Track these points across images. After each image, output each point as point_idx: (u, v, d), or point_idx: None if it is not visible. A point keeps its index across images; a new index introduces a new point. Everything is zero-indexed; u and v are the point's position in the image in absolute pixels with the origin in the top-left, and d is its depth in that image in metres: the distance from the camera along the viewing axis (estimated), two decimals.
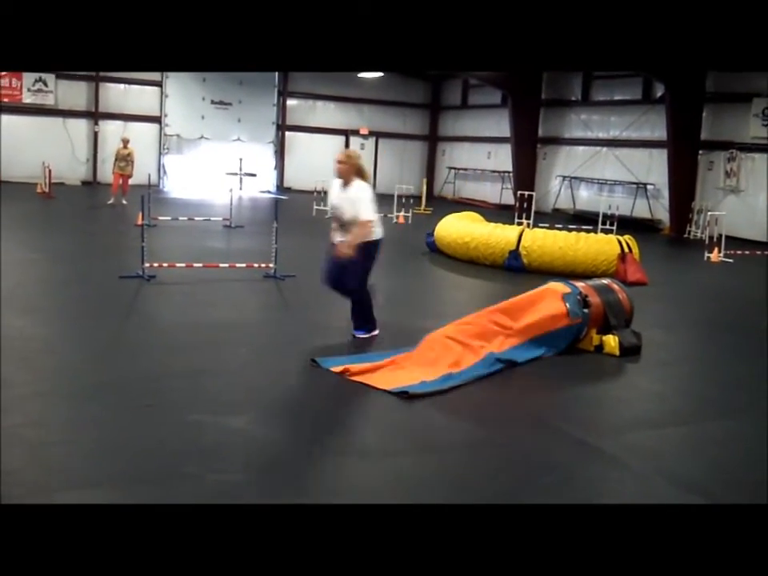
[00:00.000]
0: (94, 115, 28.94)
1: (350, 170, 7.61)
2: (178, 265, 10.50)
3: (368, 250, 7.64)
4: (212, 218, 17.23)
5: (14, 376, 6.17)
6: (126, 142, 21.26)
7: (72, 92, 28.48)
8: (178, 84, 29.01)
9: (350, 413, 5.93)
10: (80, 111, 28.79)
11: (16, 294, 9.34)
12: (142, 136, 27.14)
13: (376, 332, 7.96)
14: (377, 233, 7.69)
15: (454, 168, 31.78)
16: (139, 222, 15.10)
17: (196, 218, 16.56)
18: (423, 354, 7.07)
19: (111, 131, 28.32)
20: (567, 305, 7.54)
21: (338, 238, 7.73)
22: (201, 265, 10.44)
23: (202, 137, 29.16)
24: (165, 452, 4.86)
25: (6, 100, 27.52)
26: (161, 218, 13.89)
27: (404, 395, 6.03)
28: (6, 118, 27.25)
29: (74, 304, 8.98)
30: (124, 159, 20.71)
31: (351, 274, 7.65)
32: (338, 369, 6.64)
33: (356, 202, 7.51)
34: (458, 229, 13.91)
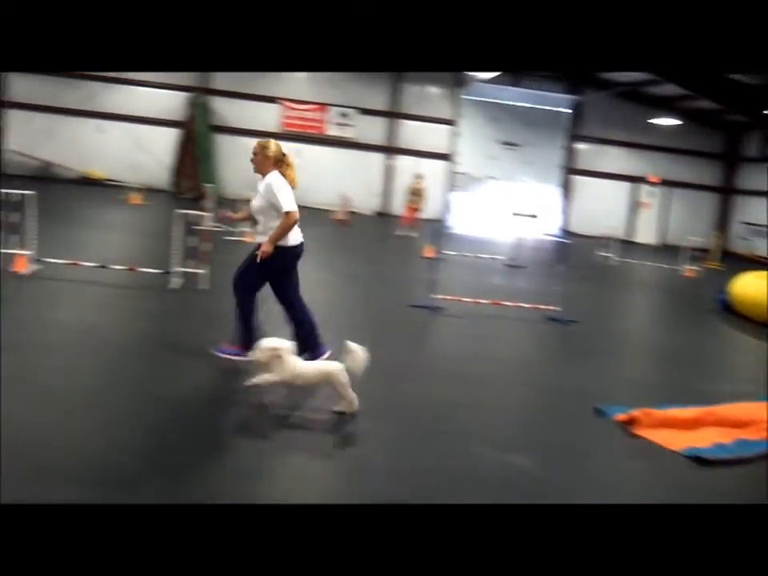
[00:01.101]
0: (389, 150, 30.46)
1: (264, 162, 6.72)
2: (464, 299, 10.72)
3: (272, 254, 6.60)
4: (496, 256, 17.48)
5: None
6: (419, 177, 22.15)
7: (371, 127, 30.18)
8: (470, 123, 29.78)
9: (634, 467, 5.70)
10: (376, 146, 30.42)
11: (315, 312, 9.98)
12: (431, 172, 28.17)
13: (240, 358, 6.77)
14: (290, 238, 6.66)
15: (750, 223, 29.87)
16: (427, 254, 15.66)
17: (481, 255, 16.86)
18: (726, 413, 6.69)
19: (403, 166, 29.63)
20: None
21: (256, 237, 6.84)
22: (488, 301, 10.59)
23: (489, 176, 29.69)
24: (446, 479, 4.97)
25: (311, 131, 29.73)
26: (446, 252, 14.27)
27: (697, 460, 5.72)
28: (309, 148, 29.40)
29: (367, 326, 9.42)
30: (416, 194, 21.59)
31: (241, 276, 6.78)
32: (623, 417, 6.46)
33: (267, 192, 6.58)
34: (758, 289, 13.00)
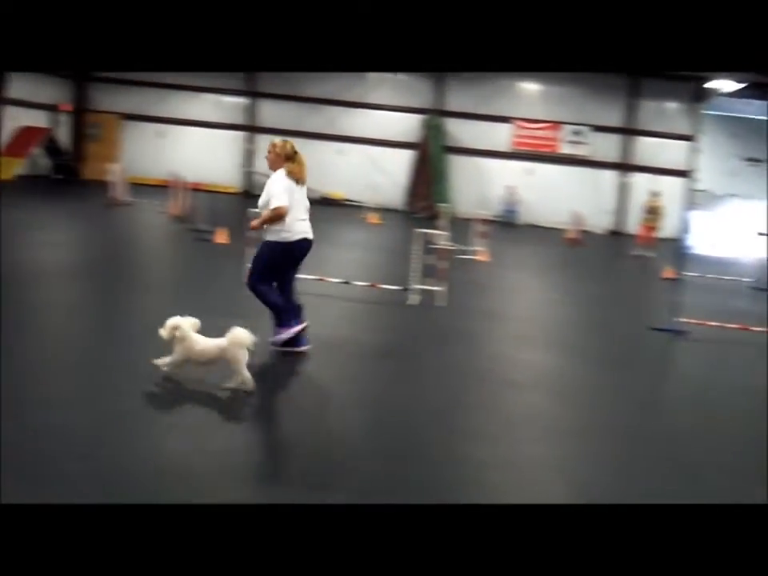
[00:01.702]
0: (624, 167, 29.70)
1: (276, 160, 7.18)
2: (709, 323, 10.25)
3: (268, 249, 7.02)
4: (741, 278, 16.57)
5: (550, 408, 6.55)
6: (655, 195, 21.43)
7: (605, 144, 29.60)
8: (711, 139, 28.50)
9: None
10: (610, 163, 29.77)
11: (546, 330, 9.95)
12: (668, 189, 27.17)
13: (290, 331, 7.10)
14: (283, 233, 6.97)
15: None
16: (667, 275, 15.13)
17: (723, 277, 16.04)
18: None
19: (638, 183, 28.79)
20: None
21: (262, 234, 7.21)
22: (735, 326, 10.06)
23: (731, 194, 28.21)
24: None
25: (543, 150, 29.60)
26: (685, 273, 13.72)
27: None
28: (541, 166, 29.30)
29: (606, 350, 9.24)
30: (653, 212, 20.89)
31: (251, 269, 7.11)
32: None
33: (267, 188, 7.05)
34: None
